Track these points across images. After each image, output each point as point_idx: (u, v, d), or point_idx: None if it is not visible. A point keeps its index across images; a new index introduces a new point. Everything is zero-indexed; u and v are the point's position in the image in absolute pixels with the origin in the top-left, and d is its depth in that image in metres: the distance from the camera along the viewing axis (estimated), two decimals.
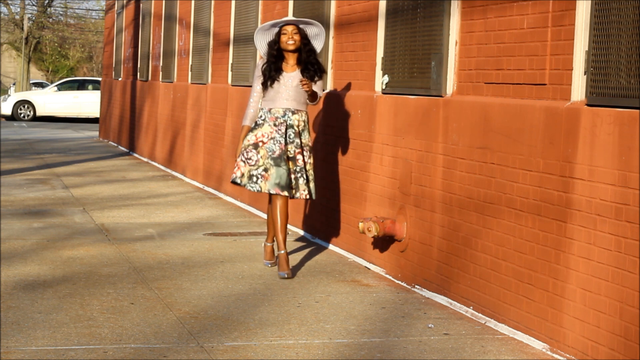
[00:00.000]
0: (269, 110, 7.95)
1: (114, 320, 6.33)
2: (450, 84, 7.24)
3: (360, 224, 7.87)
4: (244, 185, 7.88)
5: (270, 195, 7.93)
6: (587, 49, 5.67)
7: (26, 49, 54.45)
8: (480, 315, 6.65)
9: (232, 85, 13.00)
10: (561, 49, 5.92)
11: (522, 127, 6.21)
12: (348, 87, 9.17)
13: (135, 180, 15.17)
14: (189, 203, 12.48)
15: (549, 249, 5.90)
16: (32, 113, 37.53)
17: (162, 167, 17.24)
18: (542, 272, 5.96)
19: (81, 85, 38.60)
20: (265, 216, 11.25)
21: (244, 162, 7.91)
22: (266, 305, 6.91)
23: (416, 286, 7.58)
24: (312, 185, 7.93)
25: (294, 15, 10.38)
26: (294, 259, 8.58)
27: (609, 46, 5.47)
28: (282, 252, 7.83)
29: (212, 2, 14.22)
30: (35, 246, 8.99)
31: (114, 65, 23.95)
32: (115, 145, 22.84)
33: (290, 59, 7.98)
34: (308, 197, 7.90)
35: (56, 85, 39.09)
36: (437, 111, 7.34)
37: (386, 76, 8.32)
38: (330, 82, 9.61)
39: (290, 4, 10.65)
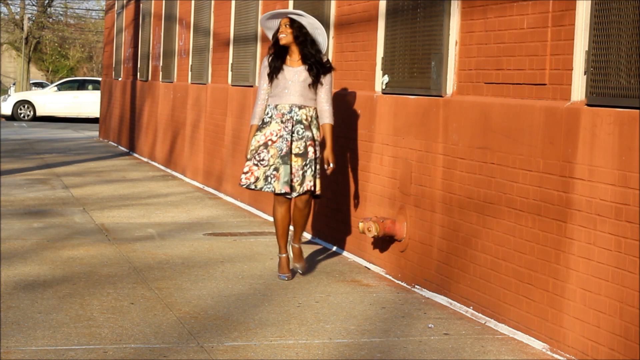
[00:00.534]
0: (275, 107, 7.72)
1: (114, 320, 6.33)
2: (450, 84, 7.24)
3: (360, 224, 7.87)
4: (260, 189, 7.62)
5: (275, 198, 7.71)
6: (587, 49, 5.67)
7: (26, 49, 54.45)
8: (480, 315, 6.65)
9: (232, 85, 13.00)
10: (561, 49, 5.92)
11: (522, 127, 6.21)
12: (348, 87, 9.17)
13: (135, 180, 15.17)
14: (189, 203, 12.48)
15: (549, 249, 5.90)
16: (32, 113, 37.53)
17: (162, 167, 17.24)
18: (542, 272, 5.96)
19: (81, 85, 38.60)
20: (265, 216, 11.25)
21: (257, 165, 7.64)
22: (266, 305, 6.91)
23: (416, 286, 7.58)
24: (318, 181, 7.72)
25: None
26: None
27: (609, 46, 5.47)
28: (297, 245, 7.84)
29: (212, 2, 14.22)
30: (35, 246, 8.99)
31: (114, 65, 23.95)
32: (115, 145, 22.84)
33: (295, 54, 7.73)
34: (313, 188, 7.62)
35: (56, 85, 39.09)
36: (437, 111, 7.34)
37: (386, 76, 8.31)
38: None
39: (290, 4, 10.65)
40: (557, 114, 5.86)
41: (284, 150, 7.61)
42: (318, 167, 7.71)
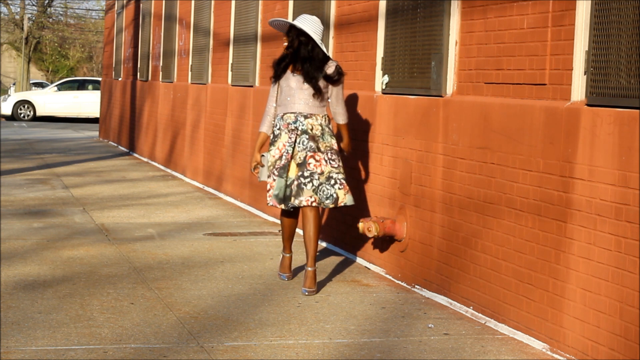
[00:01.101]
0: (282, 117, 7.42)
1: (114, 320, 6.33)
2: (450, 84, 7.24)
3: (360, 224, 7.86)
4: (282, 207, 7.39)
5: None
6: (587, 49, 5.67)
7: (26, 49, 54.45)
8: (480, 315, 6.65)
9: (232, 85, 13.00)
10: (561, 49, 5.92)
11: (522, 127, 6.21)
12: (348, 87, 9.16)
13: (135, 180, 15.17)
14: (189, 203, 12.48)
15: (549, 249, 5.90)
16: (32, 113, 37.54)
17: (162, 167, 17.24)
18: (542, 272, 5.96)
19: (81, 85, 38.61)
20: (265, 216, 11.25)
21: (275, 180, 7.39)
22: (266, 305, 6.91)
23: (416, 286, 7.58)
24: (328, 191, 7.30)
25: (294, 15, 10.37)
26: (294, 259, 8.57)
27: (609, 46, 5.47)
28: (310, 269, 7.31)
29: (212, 2, 14.22)
30: (35, 246, 8.99)
31: (114, 65, 23.96)
32: (115, 145, 22.84)
33: (298, 63, 7.42)
34: (315, 204, 7.27)
35: (56, 85, 39.09)
36: (437, 111, 7.34)
37: (386, 76, 8.31)
38: None
39: (290, 4, 10.65)
40: (557, 114, 5.86)
41: (283, 163, 7.34)
42: (322, 177, 7.30)
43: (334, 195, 7.32)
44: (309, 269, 7.31)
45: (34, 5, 58.16)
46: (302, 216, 7.37)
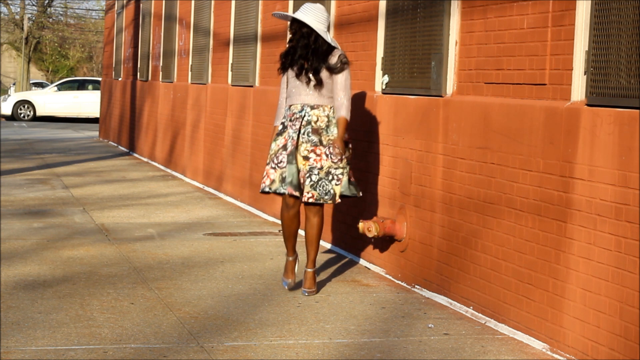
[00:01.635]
0: (289, 107, 7.31)
1: (114, 320, 6.33)
2: (450, 84, 7.24)
3: (360, 224, 7.86)
4: (275, 191, 7.24)
5: (282, 200, 7.33)
6: (587, 49, 5.67)
7: (26, 49, 54.46)
8: (480, 315, 6.65)
9: (232, 85, 13.00)
10: (561, 49, 5.92)
11: (522, 127, 6.21)
12: None
13: (135, 180, 15.17)
14: (189, 203, 12.48)
15: (549, 249, 5.90)
16: (32, 113, 37.54)
17: (162, 167, 17.24)
18: (542, 272, 5.96)
19: (81, 85, 38.62)
20: (265, 216, 11.25)
21: (275, 167, 7.27)
22: (266, 305, 6.91)
23: (416, 286, 7.58)
24: (327, 187, 7.21)
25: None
26: (300, 260, 8.57)
27: (609, 46, 5.47)
28: (310, 270, 7.31)
29: (212, 2, 14.22)
30: (35, 246, 8.99)
31: (114, 65, 23.96)
32: (115, 145, 22.84)
33: None
34: (312, 200, 7.18)
35: (56, 85, 39.10)
36: (437, 111, 7.34)
37: (386, 76, 8.31)
38: None
39: (290, 3, 10.65)
40: (557, 114, 5.86)
41: (289, 149, 7.23)
42: (322, 173, 7.21)
43: (332, 192, 7.25)
44: (309, 270, 7.33)
45: (34, 5, 58.18)
46: (305, 218, 7.35)
